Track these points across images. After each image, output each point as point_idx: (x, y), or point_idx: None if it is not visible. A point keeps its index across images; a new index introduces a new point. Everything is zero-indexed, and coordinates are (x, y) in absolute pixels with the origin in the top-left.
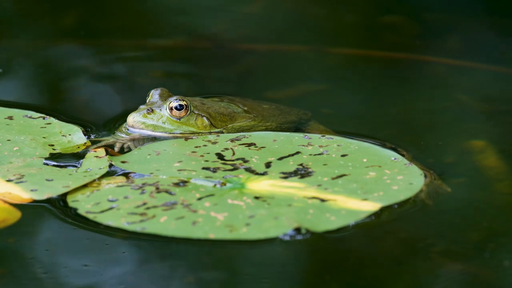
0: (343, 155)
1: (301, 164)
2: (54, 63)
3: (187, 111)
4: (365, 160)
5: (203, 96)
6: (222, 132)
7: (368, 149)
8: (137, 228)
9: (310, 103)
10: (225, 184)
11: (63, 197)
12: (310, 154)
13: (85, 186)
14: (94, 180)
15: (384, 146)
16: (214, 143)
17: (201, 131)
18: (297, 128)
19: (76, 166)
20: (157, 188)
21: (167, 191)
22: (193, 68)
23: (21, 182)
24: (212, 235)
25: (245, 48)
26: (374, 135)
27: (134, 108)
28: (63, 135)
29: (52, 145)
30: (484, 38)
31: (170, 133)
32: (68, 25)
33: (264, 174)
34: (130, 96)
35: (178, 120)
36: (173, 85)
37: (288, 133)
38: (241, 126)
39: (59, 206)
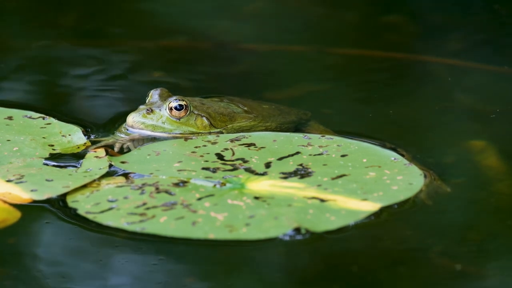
0: (343, 155)
1: (301, 164)
2: (54, 63)
3: (187, 111)
4: (365, 160)
5: (203, 96)
6: (222, 132)
7: (368, 149)
8: (137, 228)
9: (310, 103)
10: (225, 184)
11: (63, 197)
12: (310, 154)
13: (85, 186)
14: (94, 181)
15: (384, 146)
16: (214, 143)
17: (200, 131)
18: (297, 128)
19: (76, 166)
20: (157, 188)
21: (167, 191)
22: (193, 68)
23: (21, 182)
24: (212, 235)
25: (245, 48)
26: (374, 135)
27: (133, 108)
28: (63, 135)
29: (52, 145)
30: (484, 38)
31: (170, 133)
32: (69, 25)
33: (264, 174)
34: (130, 96)
35: (177, 120)
36: (173, 85)
37: (288, 133)
38: (241, 126)
39: (59, 206)
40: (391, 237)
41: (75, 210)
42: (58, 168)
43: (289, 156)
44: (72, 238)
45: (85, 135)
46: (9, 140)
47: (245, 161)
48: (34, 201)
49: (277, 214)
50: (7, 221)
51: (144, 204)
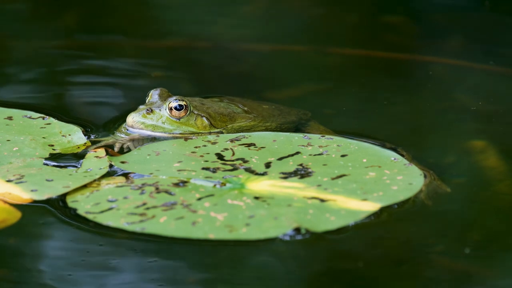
0: (343, 155)
1: (301, 164)
2: (54, 63)
3: (187, 111)
4: (365, 160)
5: (203, 96)
6: (222, 132)
7: (368, 149)
8: (136, 228)
9: (310, 103)
10: (224, 184)
11: (63, 197)
12: (310, 154)
13: (85, 186)
14: (94, 181)
15: (384, 146)
16: (214, 143)
17: (200, 131)
18: (297, 128)
19: (76, 167)
20: (157, 189)
21: (166, 191)
22: (193, 68)
23: (21, 182)
24: (212, 235)
25: (245, 48)
26: (374, 135)
27: (133, 108)
28: (63, 135)
29: (52, 145)
30: (484, 38)
31: (170, 133)
32: (69, 25)
33: (264, 174)
34: (129, 96)
35: (177, 120)
36: (173, 85)
37: (288, 133)
38: (241, 126)
39: (59, 206)
40: (391, 237)
41: (75, 210)
42: (58, 168)
43: (289, 156)
44: (72, 238)
45: (85, 135)
46: (9, 140)
47: (245, 161)
48: (34, 201)
49: (277, 214)
50: (7, 221)
51: (144, 204)
